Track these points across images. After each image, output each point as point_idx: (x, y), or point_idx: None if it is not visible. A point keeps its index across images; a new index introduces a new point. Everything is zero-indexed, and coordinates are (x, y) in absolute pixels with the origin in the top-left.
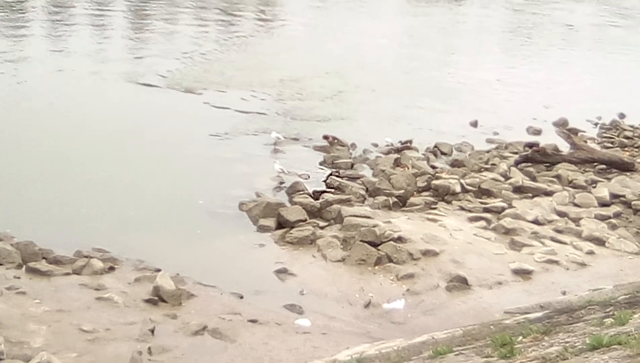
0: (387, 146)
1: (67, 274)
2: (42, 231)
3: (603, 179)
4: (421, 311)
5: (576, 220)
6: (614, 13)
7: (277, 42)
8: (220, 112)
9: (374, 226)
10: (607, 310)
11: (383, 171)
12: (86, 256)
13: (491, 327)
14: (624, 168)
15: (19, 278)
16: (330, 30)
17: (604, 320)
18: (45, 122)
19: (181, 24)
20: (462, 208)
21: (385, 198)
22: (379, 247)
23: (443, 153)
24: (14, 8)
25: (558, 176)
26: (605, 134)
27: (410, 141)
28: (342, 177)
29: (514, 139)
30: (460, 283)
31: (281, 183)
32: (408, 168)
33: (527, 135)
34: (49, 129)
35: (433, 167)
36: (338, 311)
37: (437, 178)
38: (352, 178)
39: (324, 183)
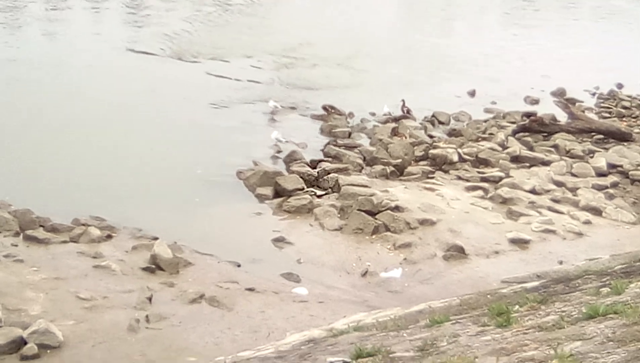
0: (385, 115)
1: (65, 242)
2: (40, 199)
3: (600, 149)
4: (418, 280)
5: (573, 190)
6: None
7: (278, 12)
8: (218, 81)
9: (371, 195)
10: (604, 279)
11: (381, 140)
12: (84, 224)
13: (488, 296)
14: (622, 137)
15: (16, 246)
16: (324, 3)
17: (601, 290)
18: (43, 90)
19: None
20: (459, 178)
21: (382, 167)
22: (376, 216)
23: (441, 122)
24: None
25: (555, 146)
26: (603, 104)
27: (409, 110)
28: (339, 146)
29: (511, 109)
30: (457, 252)
31: (278, 151)
32: (405, 137)
33: (524, 105)
34: (46, 97)
35: (431, 136)
36: (335, 280)
37: (435, 147)
38: (350, 147)
39: (321, 152)
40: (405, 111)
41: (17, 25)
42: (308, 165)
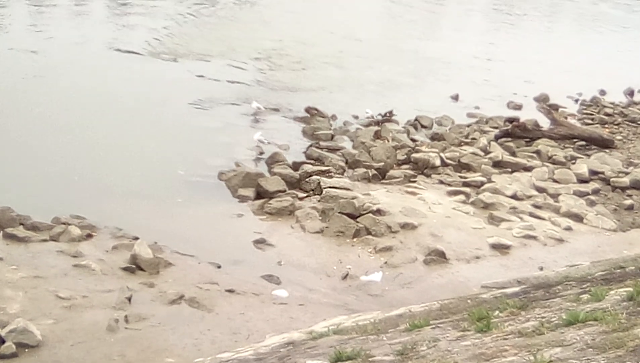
0: (368, 118)
1: (45, 240)
2: (20, 197)
3: (582, 156)
4: (399, 284)
5: (555, 196)
6: None
7: (260, 13)
8: (201, 81)
9: (353, 198)
10: (584, 286)
11: (363, 143)
12: (64, 223)
13: (468, 300)
14: (604, 144)
15: None
16: (309, 4)
17: (581, 296)
18: (25, 88)
19: None
20: (441, 182)
21: (364, 170)
22: (358, 219)
23: (423, 126)
24: None
25: (538, 152)
26: (585, 111)
27: (391, 113)
28: (322, 148)
29: (494, 114)
30: (438, 257)
31: (261, 153)
32: (388, 141)
33: (507, 110)
34: (28, 96)
35: (413, 140)
36: (316, 283)
37: (417, 151)
38: (332, 150)
39: (303, 154)
40: (388, 114)
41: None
42: (290, 167)
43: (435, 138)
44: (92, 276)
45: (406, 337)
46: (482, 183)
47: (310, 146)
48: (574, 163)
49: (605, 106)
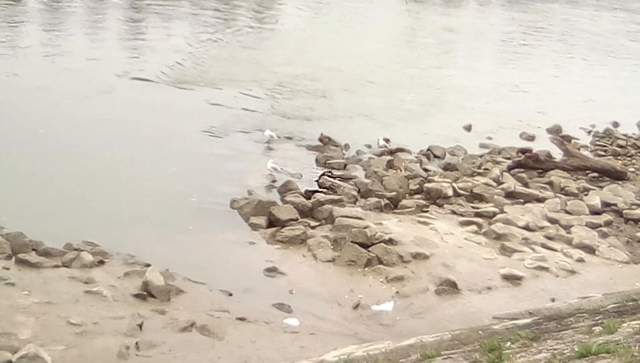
0: (380, 147)
1: (57, 266)
2: (33, 222)
3: (595, 187)
4: (410, 314)
5: (567, 227)
6: (631, 22)
7: (273, 40)
8: (214, 109)
9: (365, 228)
10: (596, 318)
11: (376, 172)
12: (76, 249)
13: (480, 331)
14: (616, 176)
15: (8, 269)
16: (327, 30)
17: (593, 328)
18: (38, 115)
19: (177, 20)
20: (453, 212)
21: (377, 199)
22: (370, 249)
23: (436, 156)
24: (9, 3)
25: (550, 183)
26: (598, 142)
27: (402, 150)
28: (334, 177)
29: (507, 145)
30: (449, 287)
31: (273, 181)
32: (401, 170)
33: (520, 141)
34: (41, 122)
35: (426, 170)
36: (327, 312)
37: (430, 181)
38: (345, 179)
39: (316, 183)
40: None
41: (16, 47)
42: (302, 196)
43: (448, 168)
44: (103, 302)
45: None
46: (495, 214)
47: (323, 174)
48: (586, 195)
49: (618, 138)
